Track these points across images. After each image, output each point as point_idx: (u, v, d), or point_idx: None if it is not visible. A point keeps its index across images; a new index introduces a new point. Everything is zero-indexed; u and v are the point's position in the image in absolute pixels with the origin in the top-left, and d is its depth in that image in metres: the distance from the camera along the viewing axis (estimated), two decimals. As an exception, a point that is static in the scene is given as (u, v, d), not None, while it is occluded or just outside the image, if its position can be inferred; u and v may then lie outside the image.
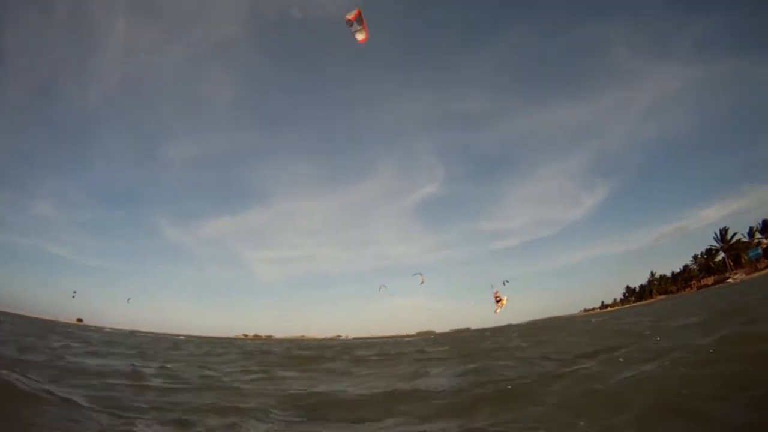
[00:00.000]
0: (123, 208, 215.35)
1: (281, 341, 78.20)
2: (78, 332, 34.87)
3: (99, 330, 59.33)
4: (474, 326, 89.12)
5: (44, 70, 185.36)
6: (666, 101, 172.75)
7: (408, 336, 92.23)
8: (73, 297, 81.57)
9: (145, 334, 71.10)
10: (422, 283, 44.62)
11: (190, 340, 48.62)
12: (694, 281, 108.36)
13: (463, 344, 26.01)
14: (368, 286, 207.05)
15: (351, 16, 13.78)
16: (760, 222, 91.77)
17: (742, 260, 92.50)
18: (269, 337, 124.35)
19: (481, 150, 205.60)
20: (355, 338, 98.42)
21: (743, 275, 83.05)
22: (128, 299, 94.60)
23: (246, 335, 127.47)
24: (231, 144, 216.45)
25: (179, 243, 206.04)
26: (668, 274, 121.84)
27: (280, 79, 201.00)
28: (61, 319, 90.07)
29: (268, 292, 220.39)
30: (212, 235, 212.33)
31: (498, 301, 36.79)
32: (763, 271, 74.92)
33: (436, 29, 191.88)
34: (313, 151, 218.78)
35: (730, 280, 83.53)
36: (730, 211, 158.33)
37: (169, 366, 15.81)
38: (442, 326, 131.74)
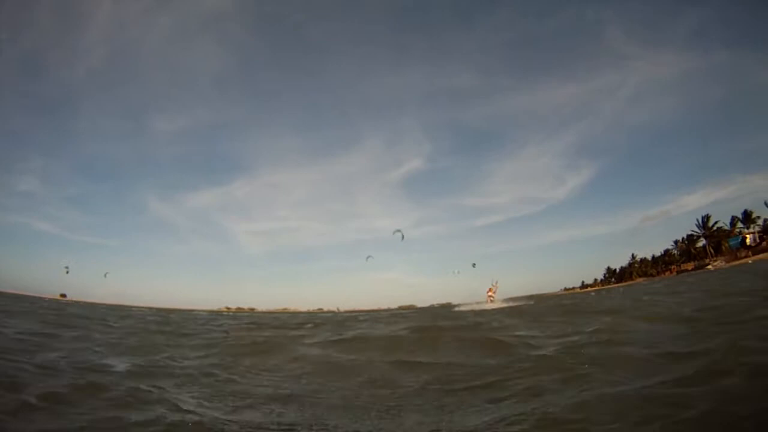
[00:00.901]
0: (109, 182, 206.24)
1: (262, 314, 76.26)
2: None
3: (72, 304, 56.98)
4: (456, 301, 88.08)
5: (27, 43, 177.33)
6: (656, 87, 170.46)
7: (389, 310, 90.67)
8: (67, 273, 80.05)
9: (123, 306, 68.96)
10: (402, 239, 44.15)
11: (159, 312, 46.47)
12: (674, 266, 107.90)
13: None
14: (351, 260, 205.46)
15: None
16: (742, 212, 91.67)
17: (723, 248, 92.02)
18: (252, 310, 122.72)
19: (468, 127, 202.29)
20: (340, 311, 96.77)
21: (723, 263, 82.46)
22: (105, 274, 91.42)
23: (228, 308, 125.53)
24: (217, 116, 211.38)
25: (165, 216, 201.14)
26: (649, 257, 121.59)
27: (268, 52, 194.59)
28: (46, 295, 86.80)
29: (253, 264, 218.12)
30: (198, 207, 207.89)
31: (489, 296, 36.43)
32: (743, 260, 73.84)
33: (428, 6, 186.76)
34: (300, 124, 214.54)
35: (709, 266, 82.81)
36: (713, 199, 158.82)
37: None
38: (423, 301, 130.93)
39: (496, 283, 37.98)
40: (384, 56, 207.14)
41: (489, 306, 30.98)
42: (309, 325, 21.84)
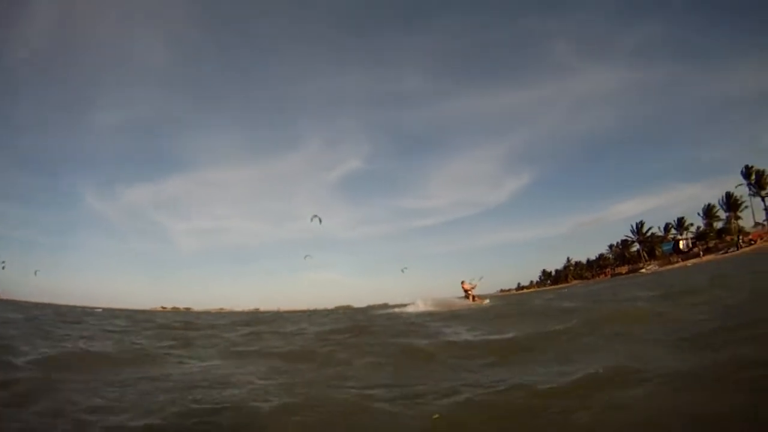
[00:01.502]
0: (43, 175, 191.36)
1: (199, 314, 71.87)
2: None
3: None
4: (392, 302, 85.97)
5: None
6: (597, 98, 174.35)
7: (326, 310, 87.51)
8: (2, 268, 75.47)
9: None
10: (320, 223, 42.12)
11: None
12: (608, 269, 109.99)
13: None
14: (290, 260, 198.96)
15: None
16: (676, 219, 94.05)
17: (657, 252, 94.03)
18: (188, 310, 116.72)
19: (410, 129, 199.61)
20: (281, 311, 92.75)
21: (656, 267, 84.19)
22: (35, 272, 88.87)
23: (164, 307, 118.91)
24: (157, 111, 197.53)
25: (101, 211, 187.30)
26: (584, 261, 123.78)
27: (211, 48, 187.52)
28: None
29: (190, 263, 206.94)
30: (135, 204, 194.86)
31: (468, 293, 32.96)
32: (675, 265, 75.19)
33: (374, 8, 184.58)
34: (241, 121, 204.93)
35: (642, 270, 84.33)
36: (647, 207, 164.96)
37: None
38: (360, 302, 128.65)
39: (479, 279, 32.65)
40: (327, 56, 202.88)
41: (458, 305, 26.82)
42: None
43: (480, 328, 10.67)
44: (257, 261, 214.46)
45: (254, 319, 28.23)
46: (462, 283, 34.64)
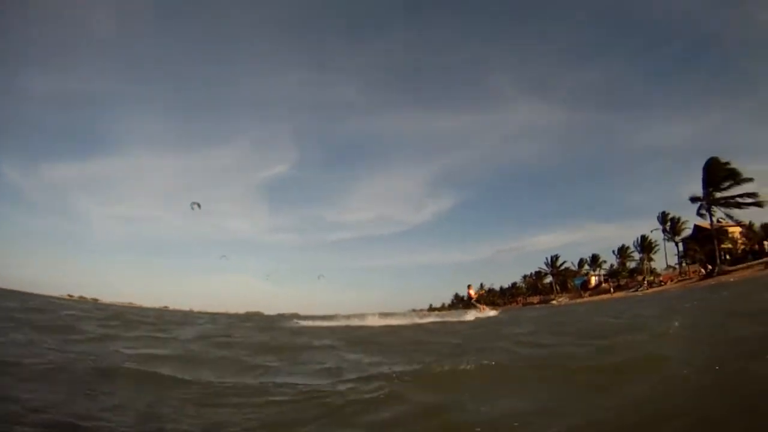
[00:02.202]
0: None
1: (102, 305, 64.09)
2: None
3: None
4: (304, 312, 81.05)
5: None
6: (529, 133, 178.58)
7: (237, 314, 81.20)
8: None
9: None
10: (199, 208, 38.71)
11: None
12: (520, 298, 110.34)
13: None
14: (206, 259, 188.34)
15: None
16: (590, 256, 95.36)
17: (569, 286, 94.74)
18: (96, 301, 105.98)
19: (339, 140, 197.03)
20: (193, 311, 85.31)
21: (567, 299, 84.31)
22: None
23: (71, 296, 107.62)
24: (92, 85, 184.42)
25: (18, 186, 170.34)
26: (497, 288, 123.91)
27: (158, 31, 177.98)
28: None
29: (106, 251, 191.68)
30: (57, 181, 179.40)
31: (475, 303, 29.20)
32: (586, 299, 75.45)
33: (324, 16, 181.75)
34: (173, 109, 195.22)
35: (554, 302, 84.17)
36: (564, 241, 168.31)
37: None
38: (271, 309, 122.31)
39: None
40: (269, 56, 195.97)
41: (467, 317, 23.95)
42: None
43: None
44: (173, 256, 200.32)
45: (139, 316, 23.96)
46: (468, 287, 31.64)
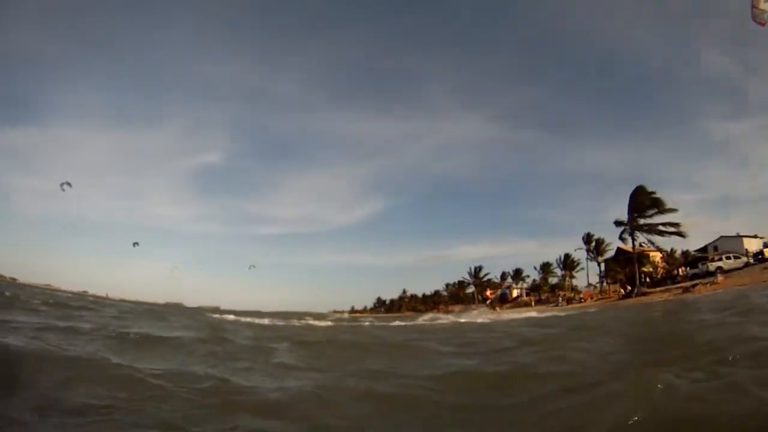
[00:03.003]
0: None
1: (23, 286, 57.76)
2: None
3: None
4: (225, 306, 77.30)
5: None
6: (463, 145, 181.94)
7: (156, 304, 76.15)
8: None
9: None
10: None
11: None
12: (442, 306, 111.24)
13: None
14: (127, 244, 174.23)
15: None
16: (514, 269, 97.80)
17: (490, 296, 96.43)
18: (14, 280, 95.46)
19: (274, 133, 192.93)
20: (109, 297, 78.62)
21: (488, 309, 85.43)
22: None
23: None
24: (22, 45, 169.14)
25: None
26: (420, 294, 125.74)
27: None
28: None
29: (26, 227, 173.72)
30: None
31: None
32: (506, 308, 76.93)
33: (273, 12, 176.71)
34: (108, 82, 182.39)
35: (475, 311, 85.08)
36: (489, 254, 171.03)
37: None
38: (193, 301, 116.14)
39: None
40: (212, 39, 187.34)
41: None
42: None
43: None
44: (96, 238, 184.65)
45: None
46: (485, 290, 30.98)
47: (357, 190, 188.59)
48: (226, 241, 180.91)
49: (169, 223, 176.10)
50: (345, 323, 27.97)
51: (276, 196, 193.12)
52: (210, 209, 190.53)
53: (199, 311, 44.67)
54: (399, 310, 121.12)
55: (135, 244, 70.11)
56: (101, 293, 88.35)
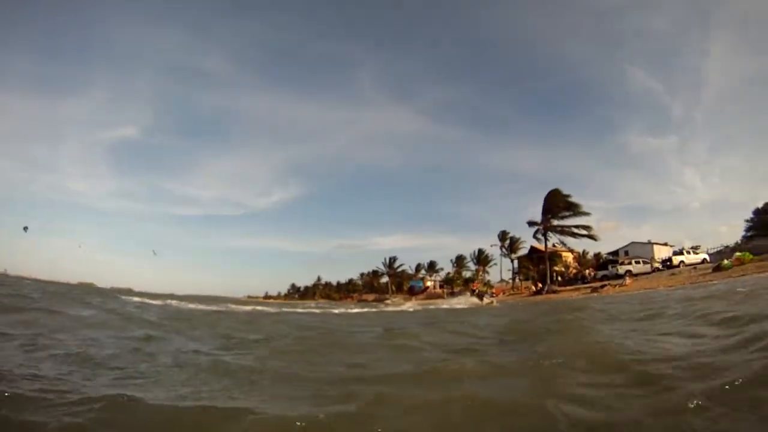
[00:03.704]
0: None
1: None
2: None
3: None
4: (138, 288, 70.41)
5: None
6: (387, 137, 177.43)
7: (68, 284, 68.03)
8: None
9: None
10: None
11: None
12: (356, 294, 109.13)
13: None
14: (35, 219, 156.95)
15: None
16: (428, 261, 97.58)
17: (404, 287, 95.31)
18: None
19: (199, 110, 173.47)
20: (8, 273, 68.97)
21: (401, 299, 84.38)
22: None
23: None
24: None
25: None
26: (334, 282, 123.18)
27: None
28: None
29: None
30: None
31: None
32: (420, 300, 75.94)
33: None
34: (23, 44, 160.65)
35: (388, 301, 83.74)
36: (405, 245, 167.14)
37: None
38: (106, 282, 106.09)
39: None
40: (144, 9, 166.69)
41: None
42: None
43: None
44: (6, 213, 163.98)
45: None
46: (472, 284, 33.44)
47: (276, 174, 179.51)
48: (143, 219, 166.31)
49: (84, 199, 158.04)
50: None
51: (195, 176, 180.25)
52: (127, 185, 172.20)
53: (111, 293, 42.17)
54: (313, 297, 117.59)
55: (25, 228, 61.79)
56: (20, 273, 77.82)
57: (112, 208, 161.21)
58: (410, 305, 38.48)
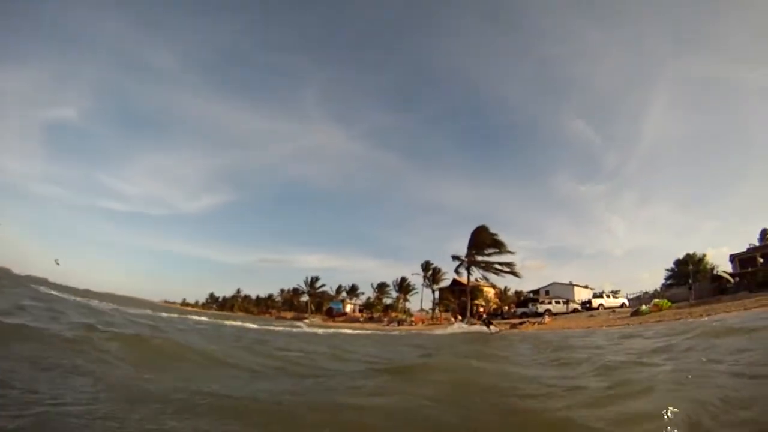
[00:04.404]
0: None
1: None
2: None
3: None
4: (54, 280, 62.07)
5: None
6: (323, 154, 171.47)
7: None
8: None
9: None
10: None
11: None
12: (275, 311, 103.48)
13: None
14: None
15: None
16: (350, 284, 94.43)
17: (323, 308, 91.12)
18: None
19: (140, 103, 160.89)
20: None
21: (320, 320, 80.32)
22: None
23: None
24: None
25: None
26: (254, 295, 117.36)
27: None
28: None
29: None
30: None
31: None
32: (338, 322, 72.25)
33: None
34: None
35: (306, 320, 79.37)
36: (328, 265, 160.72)
37: None
38: (21, 268, 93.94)
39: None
40: None
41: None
42: None
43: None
44: None
45: None
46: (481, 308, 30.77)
47: (208, 179, 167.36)
48: (69, 207, 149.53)
49: (14, 178, 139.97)
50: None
51: (126, 170, 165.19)
52: (58, 170, 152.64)
53: (25, 280, 40.31)
54: (231, 309, 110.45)
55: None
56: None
57: (41, 192, 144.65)
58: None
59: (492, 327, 28.02)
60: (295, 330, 27.89)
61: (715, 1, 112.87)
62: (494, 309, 54.62)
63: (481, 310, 34.08)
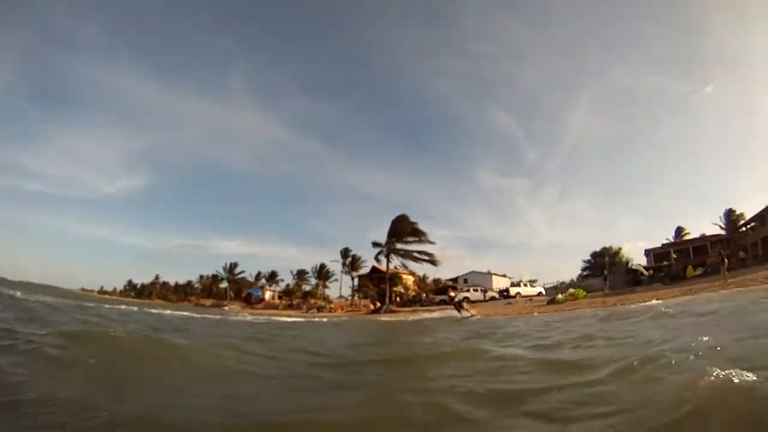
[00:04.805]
0: None
1: None
2: None
3: None
4: None
5: None
6: (245, 138, 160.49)
7: None
8: None
9: None
10: None
11: None
12: (194, 297, 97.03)
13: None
14: None
15: None
16: (269, 271, 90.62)
17: (242, 294, 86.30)
18: None
19: (61, 77, 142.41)
20: None
21: (239, 307, 75.68)
22: None
23: None
24: None
25: None
26: (172, 282, 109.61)
27: None
28: None
29: None
30: None
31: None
32: (258, 309, 68.28)
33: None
34: None
35: (226, 308, 74.53)
36: (246, 252, 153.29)
37: None
38: None
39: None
40: None
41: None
42: None
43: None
44: None
45: None
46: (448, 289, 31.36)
47: (127, 159, 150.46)
48: None
49: None
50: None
51: (42, 148, 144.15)
52: None
53: None
54: (150, 296, 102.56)
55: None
56: None
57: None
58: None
59: (464, 311, 24.50)
60: (231, 318, 25.30)
61: (647, 8, 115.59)
62: (413, 296, 53.28)
63: (450, 292, 31.58)
